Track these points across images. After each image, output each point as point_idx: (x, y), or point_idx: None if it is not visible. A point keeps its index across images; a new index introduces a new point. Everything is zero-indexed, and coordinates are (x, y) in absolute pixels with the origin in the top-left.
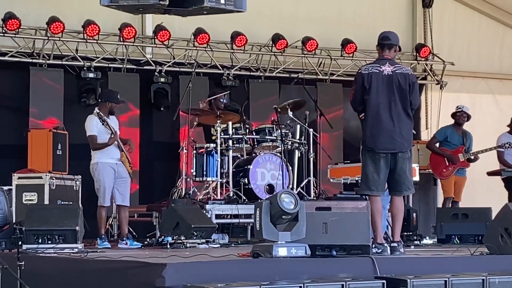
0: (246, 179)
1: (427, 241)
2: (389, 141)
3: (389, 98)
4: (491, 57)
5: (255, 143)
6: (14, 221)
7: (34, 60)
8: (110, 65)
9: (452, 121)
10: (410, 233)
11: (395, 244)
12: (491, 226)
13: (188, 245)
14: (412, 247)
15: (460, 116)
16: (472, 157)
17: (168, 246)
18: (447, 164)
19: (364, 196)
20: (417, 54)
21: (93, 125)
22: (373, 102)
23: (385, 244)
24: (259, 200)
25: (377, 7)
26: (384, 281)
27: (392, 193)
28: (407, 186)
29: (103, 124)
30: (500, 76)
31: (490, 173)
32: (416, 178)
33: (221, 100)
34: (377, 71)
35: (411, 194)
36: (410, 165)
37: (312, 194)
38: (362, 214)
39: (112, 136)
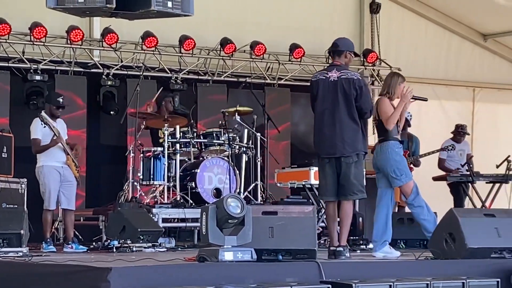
0: (193, 183)
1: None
2: (331, 146)
3: (332, 104)
4: (437, 63)
5: (203, 147)
6: None
7: None
8: (57, 68)
9: None
10: (356, 237)
11: (341, 249)
12: (436, 231)
13: (134, 249)
14: (358, 251)
15: None
16: (417, 161)
17: (114, 250)
18: None
19: (310, 200)
20: (365, 59)
21: (37, 128)
22: (319, 108)
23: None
24: (206, 204)
25: (325, 12)
26: (330, 286)
27: (339, 198)
28: (352, 191)
29: (45, 127)
30: (446, 82)
31: (435, 178)
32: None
33: (171, 103)
34: (324, 77)
35: (358, 199)
36: (358, 169)
37: (259, 198)
38: (308, 219)
39: (54, 137)
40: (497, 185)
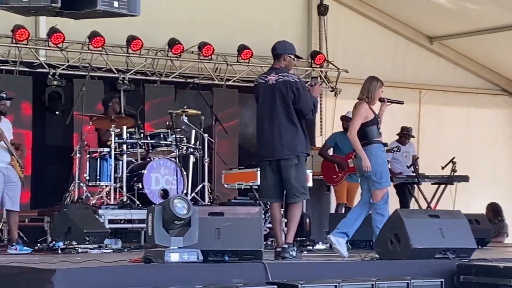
0: (140, 184)
1: (320, 246)
2: (270, 149)
3: (271, 107)
4: (384, 65)
5: (150, 148)
6: None
7: None
8: (2, 68)
9: None
10: (303, 238)
11: (285, 246)
12: (382, 232)
13: (79, 250)
14: (305, 252)
15: (343, 122)
16: None
17: (59, 252)
18: (337, 170)
19: (257, 202)
20: (312, 61)
21: None
22: (259, 112)
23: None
24: (153, 205)
25: (274, 14)
26: (276, 286)
27: (286, 200)
28: (293, 193)
29: None
30: (393, 84)
31: None
32: (310, 184)
33: (118, 104)
34: (263, 81)
35: (301, 201)
36: (299, 172)
37: (207, 199)
38: (255, 220)
39: None
40: (442, 186)
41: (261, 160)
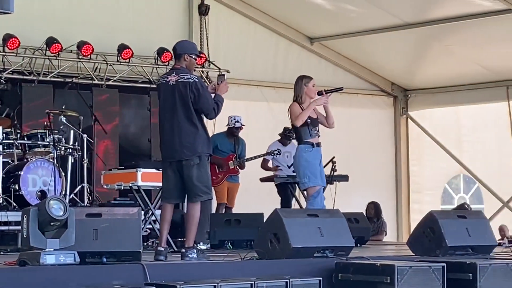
0: (16, 185)
1: (201, 246)
2: (170, 150)
3: (171, 108)
4: (265, 65)
5: (27, 149)
6: None
7: None
8: None
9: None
10: (185, 238)
11: (183, 250)
12: (262, 231)
13: None
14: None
15: (230, 125)
16: (243, 163)
17: None
18: (218, 171)
19: (137, 202)
20: None
21: None
22: (161, 112)
23: (163, 249)
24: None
25: (154, 13)
26: (154, 287)
27: (188, 200)
28: (196, 193)
29: None
30: (274, 84)
31: (263, 179)
32: None
33: None
34: (164, 81)
35: (204, 200)
36: (201, 171)
37: (86, 200)
38: (133, 221)
39: None
40: None
41: (163, 161)
